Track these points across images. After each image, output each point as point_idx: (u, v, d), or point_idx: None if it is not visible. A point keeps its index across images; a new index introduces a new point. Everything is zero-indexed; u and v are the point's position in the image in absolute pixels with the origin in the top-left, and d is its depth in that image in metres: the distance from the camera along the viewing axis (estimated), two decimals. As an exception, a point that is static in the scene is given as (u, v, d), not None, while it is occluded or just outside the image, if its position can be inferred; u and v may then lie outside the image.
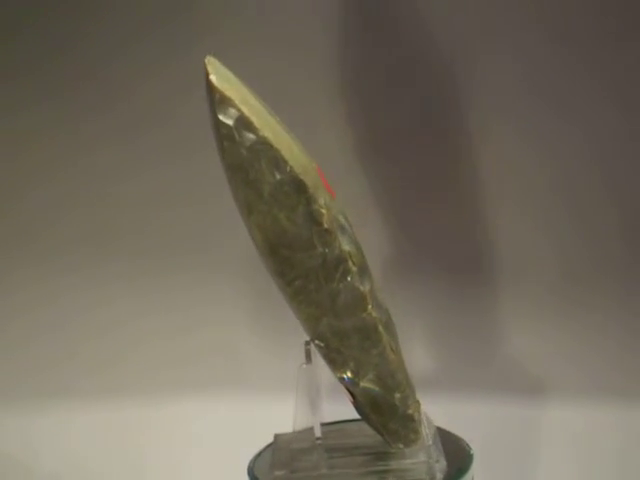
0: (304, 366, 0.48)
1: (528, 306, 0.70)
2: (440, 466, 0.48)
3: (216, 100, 0.42)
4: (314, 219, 0.44)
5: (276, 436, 0.51)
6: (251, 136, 0.43)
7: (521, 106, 0.63)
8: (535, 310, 0.70)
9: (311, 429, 0.51)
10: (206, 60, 0.43)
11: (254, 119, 0.43)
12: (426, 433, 0.50)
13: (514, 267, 0.69)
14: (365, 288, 0.46)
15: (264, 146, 0.43)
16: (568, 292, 0.69)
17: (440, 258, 0.68)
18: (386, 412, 0.49)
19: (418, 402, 0.51)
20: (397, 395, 0.48)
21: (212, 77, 0.42)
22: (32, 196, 0.64)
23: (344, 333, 0.47)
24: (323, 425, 0.50)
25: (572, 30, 0.61)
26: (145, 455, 0.67)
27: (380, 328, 0.47)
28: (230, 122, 0.42)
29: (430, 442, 0.49)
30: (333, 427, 0.53)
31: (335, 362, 0.48)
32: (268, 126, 0.43)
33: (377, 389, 0.48)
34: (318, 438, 0.50)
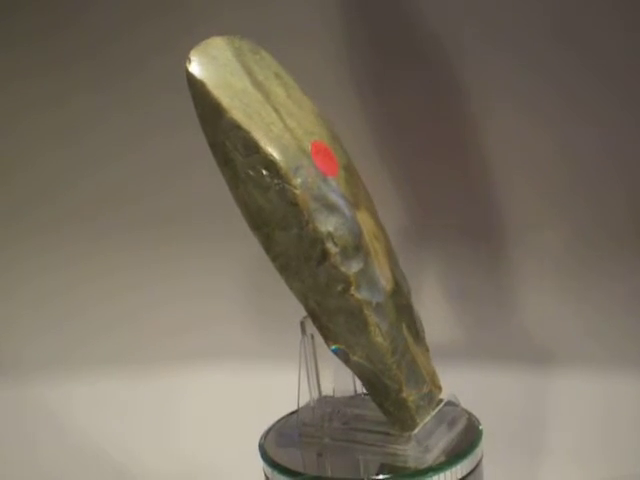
0: (304, 339, 0.49)
1: (544, 272, 0.69)
2: (431, 455, 0.47)
3: (190, 84, 0.44)
4: (287, 199, 0.44)
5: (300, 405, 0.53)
6: (221, 118, 0.44)
7: (523, 80, 0.63)
8: (551, 277, 0.69)
9: (330, 399, 0.52)
10: (192, 50, 0.45)
11: (223, 101, 0.44)
12: (425, 421, 0.48)
13: (529, 234, 0.69)
14: (350, 270, 0.46)
15: (234, 127, 0.44)
16: (585, 260, 0.68)
17: (455, 225, 0.67)
18: (380, 391, 0.48)
19: (433, 388, 0.50)
20: (387, 379, 0.47)
21: (188, 65, 0.44)
22: (34, 167, 0.68)
23: (331, 311, 0.47)
24: (343, 396, 0.51)
25: (573, 6, 0.59)
26: (141, 422, 0.69)
27: (366, 311, 0.46)
28: (203, 104, 0.44)
29: (421, 432, 0.47)
30: (354, 400, 0.53)
31: (327, 337, 0.48)
32: (242, 107, 0.44)
33: (369, 366, 0.47)
34: (334, 409, 0.51)
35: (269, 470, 0.48)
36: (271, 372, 0.66)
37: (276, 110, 0.46)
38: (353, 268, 0.46)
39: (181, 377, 0.69)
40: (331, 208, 0.46)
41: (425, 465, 0.46)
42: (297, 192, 0.44)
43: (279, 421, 0.54)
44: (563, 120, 0.66)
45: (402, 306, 0.49)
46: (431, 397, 0.50)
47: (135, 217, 0.67)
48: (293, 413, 0.53)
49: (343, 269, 0.45)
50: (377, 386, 0.48)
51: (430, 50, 0.63)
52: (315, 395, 0.51)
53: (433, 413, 0.49)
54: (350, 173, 0.49)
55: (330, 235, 0.45)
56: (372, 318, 0.46)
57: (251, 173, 0.45)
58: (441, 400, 0.51)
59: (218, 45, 0.46)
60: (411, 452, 0.47)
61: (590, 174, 0.67)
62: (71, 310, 0.70)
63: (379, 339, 0.47)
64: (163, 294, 0.68)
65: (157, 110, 0.63)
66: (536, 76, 0.64)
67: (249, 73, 0.46)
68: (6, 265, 0.72)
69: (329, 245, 0.45)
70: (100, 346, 0.70)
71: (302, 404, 0.51)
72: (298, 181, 0.44)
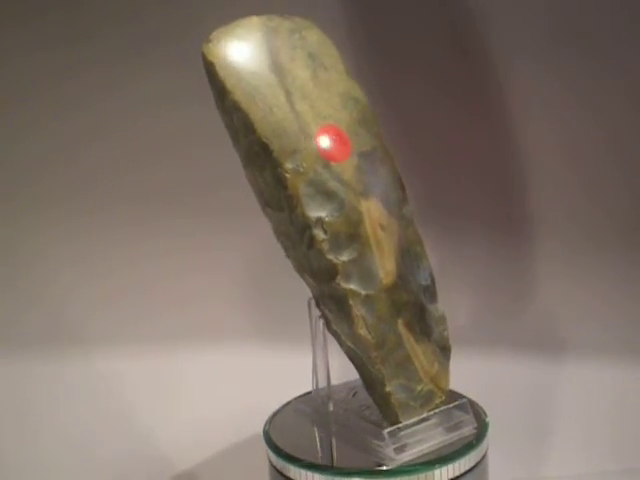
0: (311, 320, 0.50)
1: (560, 262, 0.69)
2: (405, 455, 0.46)
3: (204, 64, 0.46)
4: (280, 182, 0.45)
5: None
6: (226, 99, 0.46)
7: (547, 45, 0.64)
8: (564, 268, 0.69)
9: (351, 382, 0.53)
10: (217, 30, 0.47)
11: (228, 82, 0.45)
12: (414, 420, 0.47)
13: (543, 224, 0.69)
14: (339, 258, 0.45)
15: (235, 108, 0.45)
16: (597, 251, 0.68)
17: (467, 214, 0.67)
18: (368, 382, 0.48)
19: (433, 389, 0.48)
20: (373, 371, 0.46)
21: (204, 45, 0.46)
22: (35, 141, 0.66)
23: (324, 295, 0.47)
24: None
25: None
26: (138, 402, 0.68)
27: (351, 301, 0.45)
28: (213, 84, 0.46)
29: (401, 431, 0.46)
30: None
31: (325, 319, 0.48)
32: (246, 89, 0.45)
33: (359, 354, 0.47)
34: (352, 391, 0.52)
35: (274, 457, 0.49)
36: (272, 353, 0.67)
37: (288, 93, 0.46)
38: (343, 257, 0.46)
39: (178, 355, 0.70)
40: (328, 194, 0.46)
41: (394, 464, 0.45)
42: (287, 176, 0.45)
43: (283, 407, 0.55)
44: (571, 118, 0.65)
45: (402, 302, 0.47)
46: (428, 398, 0.48)
47: (137, 191, 0.67)
48: (298, 398, 0.55)
49: (330, 257, 0.45)
50: (365, 376, 0.48)
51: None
52: (323, 378, 0.51)
53: (429, 414, 0.48)
54: (369, 160, 0.47)
55: (320, 221, 0.45)
56: (357, 309, 0.46)
57: (251, 153, 0.46)
58: (442, 402, 0.49)
59: (250, 25, 0.47)
60: (383, 449, 0.46)
61: (598, 169, 0.67)
62: (69, 286, 0.69)
63: (362, 331, 0.46)
64: (162, 270, 0.68)
65: (150, 88, 0.64)
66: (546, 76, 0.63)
67: (274, 53, 0.47)
68: None
69: (316, 231, 0.45)
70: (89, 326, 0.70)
71: (312, 386, 0.52)
72: (290, 165, 0.45)
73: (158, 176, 0.65)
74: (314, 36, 0.50)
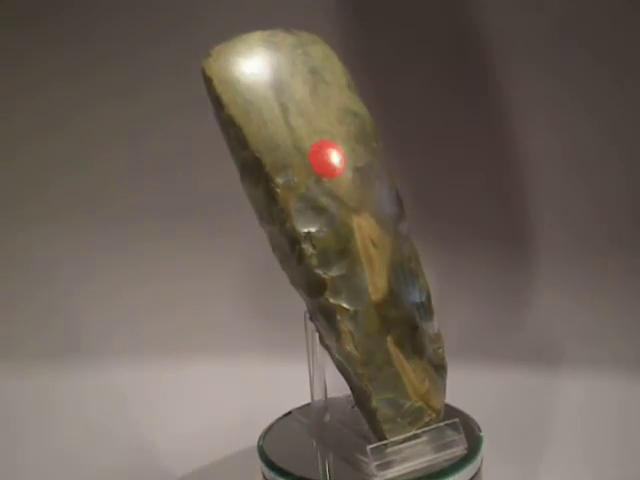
0: (307, 332, 0.50)
1: (559, 275, 0.69)
2: (389, 472, 0.46)
3: (203, 79, 0.47)
4: (271, 196, 0.46)
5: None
6: (223, 113, 0.46)
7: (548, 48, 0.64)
8: (565, 280, 0.69)
9: (351, 395, 0.53)
10: (218, 45, 0.47)
11: (224, 96, 0.46)
12: (402, 438, 0.47)
13: (540, 235, 0.69)
14: (327, 274, 0.46)
15: (230, 122, 0.46)
16: (594, 264, 0.69)
17: (469, 224, 0.68)
18: (358, 397, 0.48)
19: (423, 407, 0.47)
20: (360, 386, 0.46)
21: (204, 60, 0.47)
22: (25, 157, 0.67)
23: (314, 309, 0.47)
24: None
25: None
26: (133, 411, 0.67)
27: (339, 316, 0.46)
28: (211, 97, 0.47)
29: (386, 448, 0.46)
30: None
31: (319, 332, 0.49)
32: (242, 104, 0.46)
33: (348, 368, 0.47)
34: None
35: (267, 470, 0.49)
36: (272, 362, 0.67)
37: (284, 108, 0.47)
38: (332, 272, 0.46)
39: (173, 365, 0.70)
40: (318, 210, 0.46)
41: None
42: (278, 190, 0.45)
43: (278, 421, 0.55)
44: (570, 123, 0.66)
45: (392, 319, 0.47)
46: (417, 415, 0.48)
47: (127, 212, 0.68)
48: (288, 414, 0.55)
49: (318, 271, 0.46)
50: (354, 390, 0.48)
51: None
52: (319, 390, 0.52)
53: (418, 432, 0.47)
54: (364, 175, 0.47)
55: (309, 236, 0.45)
56: (345, 325, 0.46)
57: (246, 168, 0.47)
58: (432, 420, 0.48)
59: (251, 40, 0.48)
60: (368, 465, 0.46)
61: (597, 178, 0.67)
62: (74, 303, 0.70)
63: (349, 347, 0.46)
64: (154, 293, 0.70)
65: (145, 103, 0.65)
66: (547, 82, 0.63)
67: (273, 69, 0.48)
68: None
69: (305, 246, 0.46)
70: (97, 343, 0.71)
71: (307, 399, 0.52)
72: (281, 180, 0.45)
73: (150, 198, 0.66)
74: (318, 51, 0.50)
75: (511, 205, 0.69)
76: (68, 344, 0.69)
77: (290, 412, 0.55)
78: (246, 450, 0.53)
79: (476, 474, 0.49)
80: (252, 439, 0.52)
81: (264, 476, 0.50)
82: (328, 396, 0.52)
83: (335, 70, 0.50)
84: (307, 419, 0.53)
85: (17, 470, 0.60)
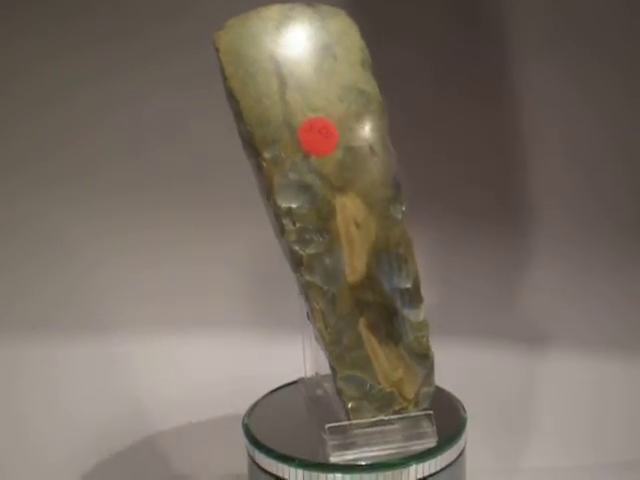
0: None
1: (554, 256, 0.70)
2: (348, 455, 0.46)
3: (216, 52, 0.48)
4: (259, 170, 0.47)
5: None
6: (225, 85, 0.48)
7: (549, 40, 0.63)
8: (552, 261, 0.70)
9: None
10: (233, 18, 0.48)
11: (227, 68, 0.47)
12: (369, 421, 0.47)
13: (532, 218, 0.69)
14: (304, 250, 0.46)
15: (230, 94, 0.47)
16: (586, 246, 0.69)
17: (458, 202, 0.67)
18: (332, 373, 0.48)
19: (394, 393, 0.47)
20: (331, 364, 0.47)
21: (216, 32, 0.48)
22: (21, 132, 0.67)
23: (301, 285, 0.48)
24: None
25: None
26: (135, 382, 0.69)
27: (312, 294, 0.46)
28: (221, 71, 0.48)
29: (347, 429, 0.46)
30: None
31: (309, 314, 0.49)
32: (242, 76, 0.47)
33: (321, 345, 0.47)
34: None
35: (252, 448, 0.50)
36: (269, 341, 0.68)
37: (282, 83, 0.47)
38: (309, 249, 0.46)
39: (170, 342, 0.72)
40: (302, 186, 0.46)
41: (335, 461, 0.46)
42: (264, 164, 0.46)
43: (263, 398, 0.55)
44: (573, 114, 0.66)
45: (367, 302, 0.46)
46: (386, 401, 0.47)
47: (120, 182, 0.68)
48: (275, 390, 0.56)
49: (296, 248, 0.46)
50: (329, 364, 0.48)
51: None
52: (310, 367, 0.52)
53: (386, 418, 0.47)
54: (357, 155, 0.47)
55: (290, 212, 0.46)
56: (317, 303, 0.46)
57: (244, 141, 0.48)
58: (404, 409, 0.47)
59: (266, 13, 0.49)
60: (325, 444, 0.46)
61: (596, 165, 0.68)
62: (66, 273, 0.72)
63: (319, 325, 0.46)
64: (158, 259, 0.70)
65: (144, 75, 0.65)
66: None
67: (282, 43, 0.48)
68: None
69: (285, 221, 0.46)
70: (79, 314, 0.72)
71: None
72: (268, 155, 0.46)
73: (160, 162, 0.67)
74: (337, 24, 0.49)
75: (511, 187, 0.68)
76: (84, 319, 0.72)
77: (275, 389, 0.56)
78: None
79: (460, 455, 0.48)
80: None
81: (248, 452, 0.51)
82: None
83: (350, 46, 0.49)
84: (296, 395, 0.54)
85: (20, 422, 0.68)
